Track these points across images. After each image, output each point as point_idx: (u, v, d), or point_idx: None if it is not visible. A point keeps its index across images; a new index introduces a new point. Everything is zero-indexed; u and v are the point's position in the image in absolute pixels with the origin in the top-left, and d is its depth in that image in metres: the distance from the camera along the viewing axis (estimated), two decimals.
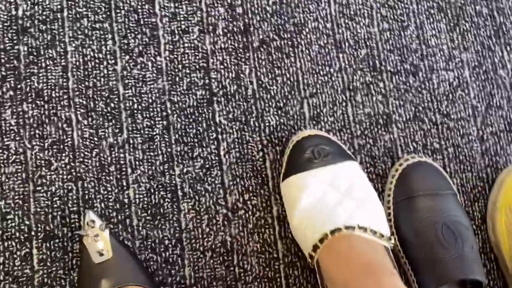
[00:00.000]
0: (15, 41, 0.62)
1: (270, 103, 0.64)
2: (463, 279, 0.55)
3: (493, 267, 0.63)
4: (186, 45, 0.64)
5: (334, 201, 0.55)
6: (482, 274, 0.55)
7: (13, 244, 0.58)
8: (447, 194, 0.59)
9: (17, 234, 0.58)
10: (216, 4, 0.65)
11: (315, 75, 0.65)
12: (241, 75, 0.64)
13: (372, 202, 0.57)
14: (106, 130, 0.61)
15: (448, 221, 0.56)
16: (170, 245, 0.59)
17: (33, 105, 0.61)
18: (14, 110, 0.61)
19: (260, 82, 0.64)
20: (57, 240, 0.58)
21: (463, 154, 0.65)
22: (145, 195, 0.60)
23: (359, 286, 0.49)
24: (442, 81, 0.67)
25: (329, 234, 0.53)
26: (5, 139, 0.60)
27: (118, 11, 0.64)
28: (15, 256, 0.57)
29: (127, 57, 0.63)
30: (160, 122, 0.62)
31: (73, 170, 0.60)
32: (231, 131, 0.63)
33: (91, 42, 0.63)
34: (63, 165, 0.60)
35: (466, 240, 0.56)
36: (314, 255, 0.54)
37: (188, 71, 0.63)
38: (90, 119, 0.61)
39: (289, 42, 0.65)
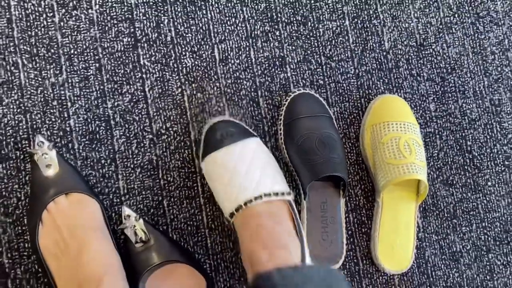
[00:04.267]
0: None
1: (186, 48, 0.78)
2: (330, 176, 0.73)
3: (365, 174, 0.81)
4: (113, 0, 0.76)
5: (243, 171, 0.69)
6: (343, 173, 0.73)
7: None
8: (323, 117, 0.76)
9: None
10: None
11: (223, 25, 0.79)
12: (161, 24, 0.77)
13: (270, 167, 0.71)
14: (48, 72, 0.73)
15: (321, 135, 0.74)
16: (106, 164, 0.74)
17: None
18: None
19: (177, 30, 0.77)
20: (11, 162, 0.71)
21: (342, 88, 0.82)
22: (83, 124, 0.74)
23: (258, 257, 0.63)
24: (327, 30, 0.82)
25: (243, 205, 0.67)
26: None
27: None
28: None
29: (63, 10, 0.74)
30: (93, 64, 0.75)
31: (21, 105, 0.72)
32: (153, 71, 0.76)
33: None
34: (13, 101, 0.72)
35: (334, 149, 0.74)
36: (231, 220, 0.68)
37: (115, 21, 0.76)
38: (34, 63, 0.73)
39: None
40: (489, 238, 0.83)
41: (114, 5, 0.76)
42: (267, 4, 0.81)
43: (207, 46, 0.78)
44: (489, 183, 0.84)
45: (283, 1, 0.81)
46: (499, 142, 0.85)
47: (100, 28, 0.75)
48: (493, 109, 0.86)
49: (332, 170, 0.72)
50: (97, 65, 0.75)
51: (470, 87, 0.86)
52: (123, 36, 0.76)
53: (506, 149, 0.85)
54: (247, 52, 0.79)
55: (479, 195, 0.84)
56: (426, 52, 0.85)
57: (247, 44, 0.79)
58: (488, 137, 0.85)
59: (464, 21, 0.87)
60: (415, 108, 0.83)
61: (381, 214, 0.77)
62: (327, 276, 0.55)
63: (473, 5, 0.88)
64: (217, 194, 0.71)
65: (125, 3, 0.76)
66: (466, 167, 0.84)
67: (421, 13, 0.85)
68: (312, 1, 0.82)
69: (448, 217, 0.82)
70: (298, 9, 0.81)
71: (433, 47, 0.85)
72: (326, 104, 0.78)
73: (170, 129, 0.76)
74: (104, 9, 0.76)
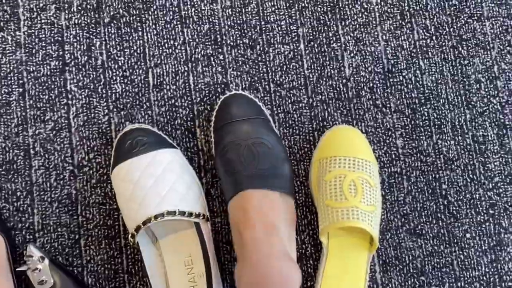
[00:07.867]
0: None
1: (117, 72, 0.71)
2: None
3: (313, 218, 0.71)
4: (43, 21, 0.72)
5: (148, 186, 0.62)
6: (273, 186, 0.62)
7: None
8: (257, 120, 0.66)
9: None
10: None
11: (160, 48, 0.72)
12: (92, 47, 0.71)
13: (184, 182, 0.64)
14: None
15: (251, 143, 0.64)
16: (21, 196, 0.68)
17: None
18: None
19: (109, 53, 0.72)
20: None
21: (292, 119, 0.72)
22: (0, 153, 0.69)
23: None
24: (278, 54, 0.73)
25: (141, 226, 0.61)
26: None
27: None
28: None
29: None
30: (17, 89, 0.70)
31: None
32: (80, 97, 0.70)
33: None
34: None
35: (265, 159, 0.63)
36: (133, 240, 0.62)
37: (44, 44, 0.71)
38: None
39: (138, 18, 0.73)
40: None
41: (44, 26, 0.72)
42: (211, 26, 0.73)
43: (141, 71, 0.72)
44: (468, 235, 0.71)
45: (229, 23, 0.73)
46: (482, 187, 0.72)
47: (27, 51, 0.71)
48: (475, 147, 0.73)
49: (259, 184, 0.61)
50: (20, 90, 0.70)
51: (448, 120, 0.73)
52: (50, 59, 0.71)
53: (491, 195, 0.72)
54: (185, 78, 0.72)
55: (454, 249, 0.70)
56: (395, 80, 0.74)
57: (186, 68, 0.72)
58: (469, 180, 0.72)
59: (444, 44, 0.75)
60: (378, 144, 0.72)
61: (325, 264, 0.66)
62: None
63: (455, 26, 0.76)
64: (121, 211, 0.64)
65: (56, 25, 0.72)
66: (439, 215, 0.71)
67: (390, 35, 0.75)
68: (263, 23, 0.74)
69: (414, 273, 0.70)
70: (246, 31, 0.73)
71: (403, 74, 0.74)
72: (262, 105, 0.69)
73: (93, 160, 0.69)
74: (33, 31, 0.71)
